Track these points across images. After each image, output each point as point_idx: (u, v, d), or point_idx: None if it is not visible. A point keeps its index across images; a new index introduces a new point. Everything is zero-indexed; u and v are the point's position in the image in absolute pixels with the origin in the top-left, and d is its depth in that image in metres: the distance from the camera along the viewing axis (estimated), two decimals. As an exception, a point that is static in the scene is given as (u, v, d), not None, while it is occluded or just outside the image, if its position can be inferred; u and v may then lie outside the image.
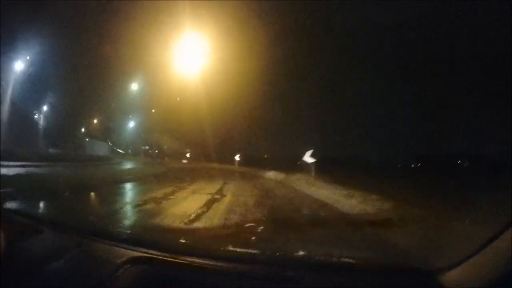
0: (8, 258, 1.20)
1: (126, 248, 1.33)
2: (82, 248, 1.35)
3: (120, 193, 6.92)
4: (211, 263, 1.20)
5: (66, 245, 1.37)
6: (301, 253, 1.52)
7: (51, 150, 15.81)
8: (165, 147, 24.83)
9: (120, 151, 20.49)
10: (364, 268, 1.22)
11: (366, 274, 1.17)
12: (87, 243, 1.40)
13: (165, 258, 1.23)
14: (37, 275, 1.15)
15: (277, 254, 1.40)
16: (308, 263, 1.28)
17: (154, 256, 1.24)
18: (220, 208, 5.09)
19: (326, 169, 11.46)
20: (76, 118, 17.63)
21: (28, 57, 13.23)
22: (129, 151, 21.20)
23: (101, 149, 19.73)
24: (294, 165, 13.76)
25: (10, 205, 1.86)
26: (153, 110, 18.81)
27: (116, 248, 1.35)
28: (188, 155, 28.47)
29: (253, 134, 23.17)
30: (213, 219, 4.04)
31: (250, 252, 1.47)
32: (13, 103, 13.64)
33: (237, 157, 25.05)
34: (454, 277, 1.02)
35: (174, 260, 1.23)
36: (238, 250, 1.52)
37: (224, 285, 1.14)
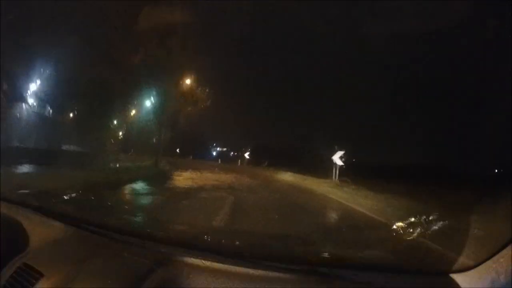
0: (31, 256, 1.26)
1: (155, 247, 1.30)
2: (110, 247, 1.33)
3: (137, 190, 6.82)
4: (241, 265, 1.15)
5: (92, 244, 1.36)
6: (310, 253, 1.45)
7: (66, 147, 15.49)
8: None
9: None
10: (377, 268, 1.20)
11: (379, 274, 1.15)
12: (115, 241, 1.36)
13: (196, 257, 1.19)
14: (63, 273, 1.14)
15: (293, 255, 1.35)
16: (318, 263, 1.22)
17: (185, 254, 1.22)
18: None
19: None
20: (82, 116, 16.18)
21: (29, 57, 12.76)
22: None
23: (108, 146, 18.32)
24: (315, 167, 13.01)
25: (30, 202, 1.76)
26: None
27: (144, 247, 1.31)
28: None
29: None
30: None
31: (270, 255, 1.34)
32: (14, 102, 13.33)
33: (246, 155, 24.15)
34: (469, 280, 1.04)
35: (206, 259, 1.18)
36: (262, 252, 1.39)
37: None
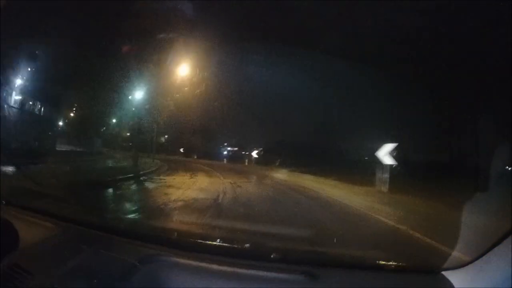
0: (20, 256, 1.24)
1: (140, 246, 1.32)
2: (96, 245, 1.33)
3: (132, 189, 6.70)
4: (227, 261, 1.20)
5: (79, 242, 1.37)
6: (311, 252, 1.48)
7: (60, 146, 15.29)
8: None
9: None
10: (374, 267, 1.24)
11: (377, 273, 1.20)
12: (101, 239, 1.40)
13: (180, 256, 1.23)
14: (51, 272, 1.16)
15: (291, 254, 1.36)
16: (319, 262, 1.25)
17: (169, 253, 1.25)
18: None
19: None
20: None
21: (28, 57, 11.82)
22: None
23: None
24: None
25: (20, 201, 1.66)
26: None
27: (129, 245, 1.35)
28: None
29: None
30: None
31: (265, 253, 1.36)
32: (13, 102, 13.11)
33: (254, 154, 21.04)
34: (462, 277, 1.06)
35: (189, 258, 1.22)
36: (254, 249, 1.47)
37: (238, 285, 1.12)
